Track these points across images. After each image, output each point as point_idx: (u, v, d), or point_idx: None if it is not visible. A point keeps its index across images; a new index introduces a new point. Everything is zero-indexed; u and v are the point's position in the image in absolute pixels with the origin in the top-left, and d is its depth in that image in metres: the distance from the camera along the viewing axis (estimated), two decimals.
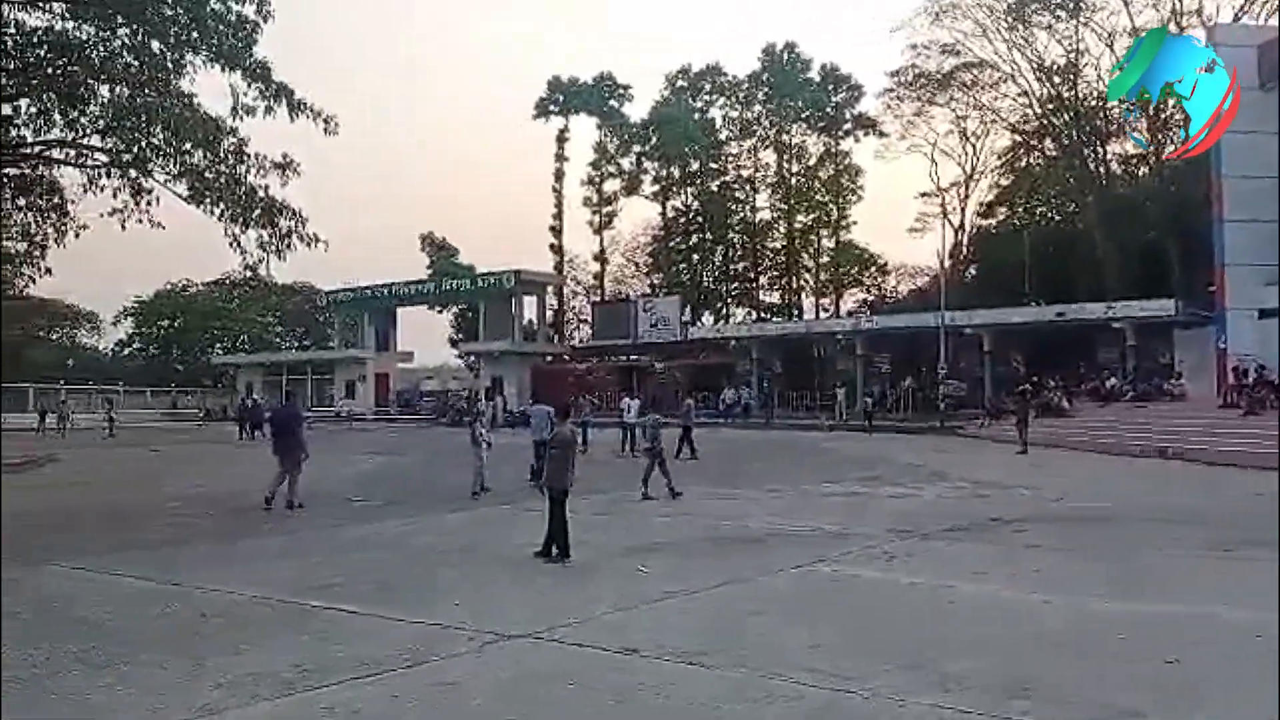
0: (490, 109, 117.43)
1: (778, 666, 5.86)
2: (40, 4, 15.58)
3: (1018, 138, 52.69)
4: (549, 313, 61.32)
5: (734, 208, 63.03)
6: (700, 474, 19.33)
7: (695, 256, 63.95)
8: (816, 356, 52.11)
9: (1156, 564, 9.51)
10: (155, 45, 15.95)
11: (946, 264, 48.57)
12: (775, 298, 63.44)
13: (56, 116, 15.92)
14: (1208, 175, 32.00)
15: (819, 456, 24.60)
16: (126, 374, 63.77)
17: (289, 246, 16.16)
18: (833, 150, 60.62)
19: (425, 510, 14.03)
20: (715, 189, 62.73)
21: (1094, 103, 48.03)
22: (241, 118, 16.24)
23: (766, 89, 60.97)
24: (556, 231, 63.45)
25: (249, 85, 16.25)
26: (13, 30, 15.48)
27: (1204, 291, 33.55)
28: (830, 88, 59.94)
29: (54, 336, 73.29)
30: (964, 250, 55.37)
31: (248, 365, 64.77)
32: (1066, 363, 38.73)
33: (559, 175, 63.35)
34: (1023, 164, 53.85)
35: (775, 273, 63.54)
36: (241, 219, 16.00)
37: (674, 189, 63.69)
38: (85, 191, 17.44)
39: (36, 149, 17.34)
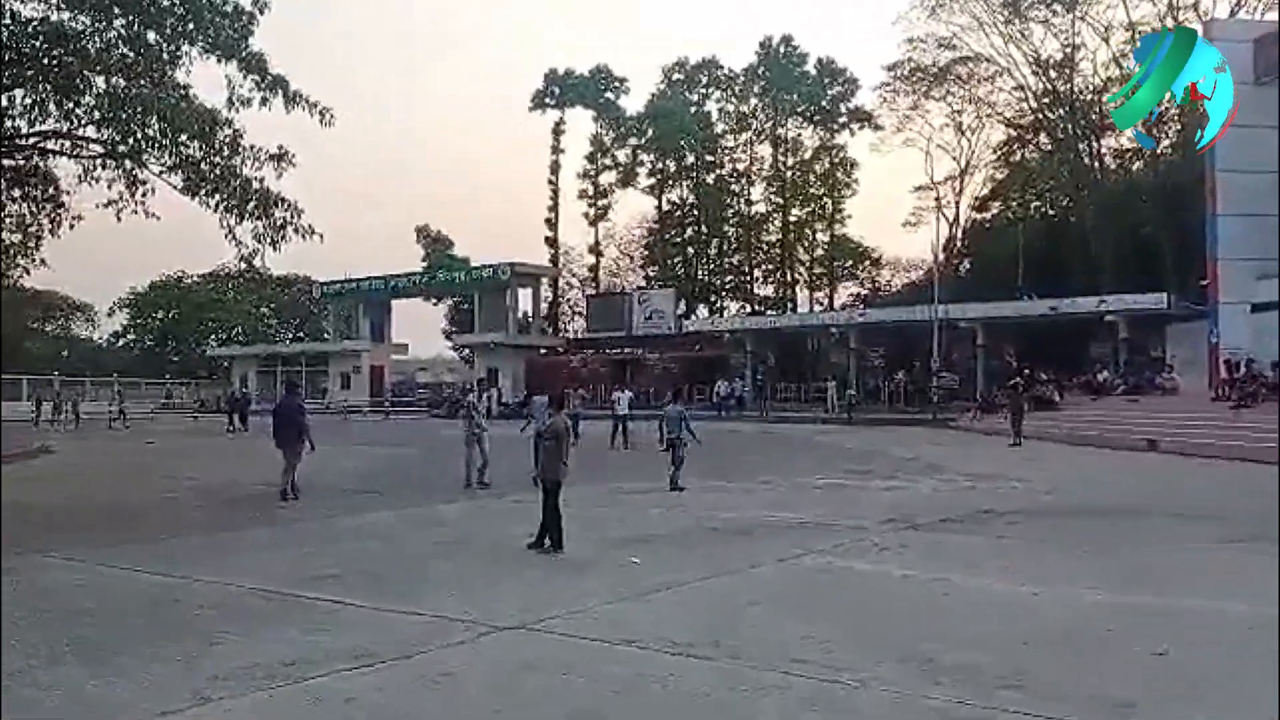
0: (487, 101, 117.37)
1: (771, 658, 5.90)
2: None
3: (1013, 131, 52.83)
4: (544, 305, 61.35)
5: (729, 201, 63.09)
6: (693, 466, 19.29)
7: (690, 249, 63.99)
8: (810, 350, 52.26)
9: (1148, 557, 9.56)
10: (151, 36, 15.89)
11: (940, 257, 48.62)
12: (770, 291, 63.58)
13: (51, 107, 15.84)
14: (1201, 169, 32.07)
15: (812, 449, 24.67)
16: (121, 365, 63.59)
17: (284, 238, 16.09)
18: (828, 144, 60.73)
19: (419, 501, 14.07)
20: (711, 182, 62.75)
21: (1089, 97, 48.14)
22: (237, 109, 16.20)
23: (763, 82, 61.01)
24: (552, 224, 63.50)
25: (245, 77, 16.21)
26: (8, 21, 15.41)
27: (1196, 286, 33.67)
28: (826, 81, 59.99)
29: (48, 328, 73.17)
30: (958, 244, 55.50)
31: (242, 357, 64.70)
32: (1059, 356, 38.86)
33: (555, 168, 63.37)
34: (1017, 158, 53.94)
35: (770, 266, 63.62)
36: (237, 210, 15.95)
37: (670, 182, 63.69)
38: (80, 182, 17.40)
39: (31, 140, 17.28)
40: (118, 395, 43.10)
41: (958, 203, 55.64)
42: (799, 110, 60.49)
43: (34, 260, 21.19)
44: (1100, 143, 49.59)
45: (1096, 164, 49.26)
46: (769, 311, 58.45)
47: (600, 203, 64.15)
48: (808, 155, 61.49)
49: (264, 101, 16.13)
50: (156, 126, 15.47)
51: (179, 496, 15.22)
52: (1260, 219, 29.51)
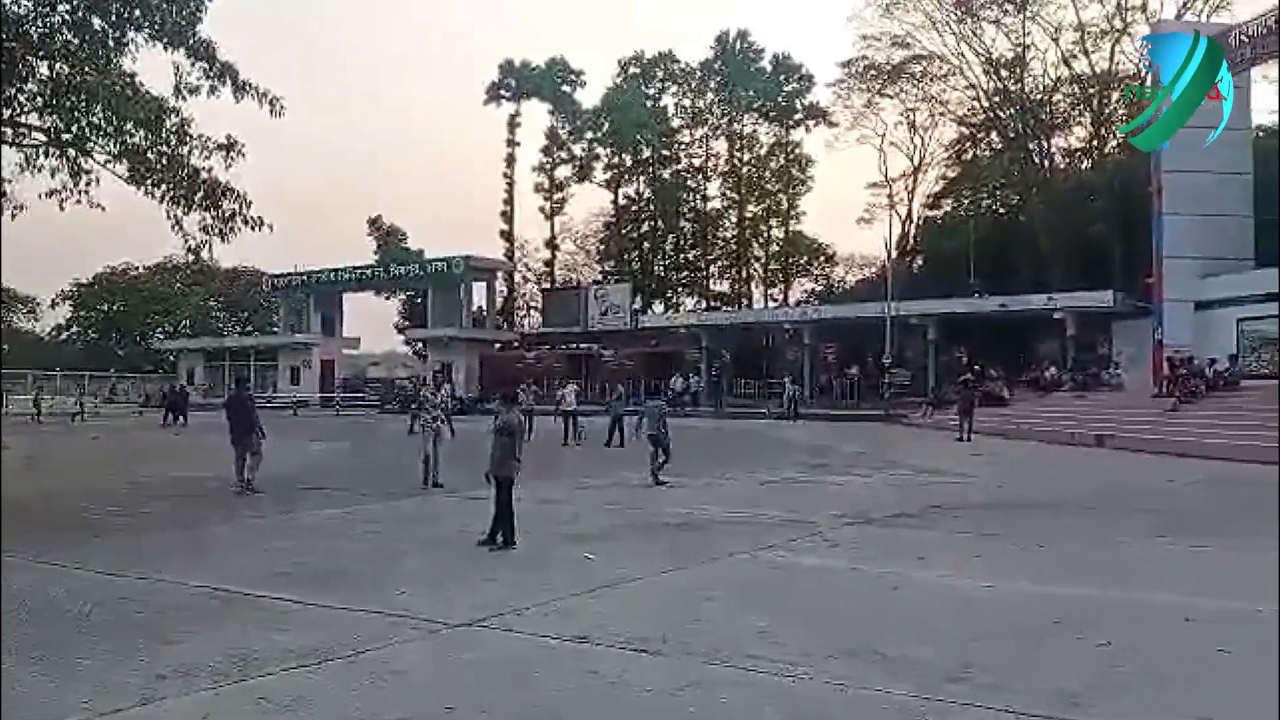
0: (441, 93, 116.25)
1: (725, 653, 5.92)
2: None
3: (964, 130, 53.46)
4: (499, 299, 60.99)
5: (685, 196, 63.17)
6: (640, 461, 19.42)
7: (646, 244, 63.99)
8: (765, 345, 52.58)
9: (1093, 550, 9.74)
10: (96, 22, 15.51)
11: (893, 254, 49.17)
12: (725, 287, 63.76)
13: None
14: (1148, 170, 32.71)
15: (766, 445, 24.81)
16: (65, 359, 62.16)
17: (233, 230, 15.79)
18: (783, 140, 61.06)
19: (370, 498, 13.91)
20: (667, 177, 62.79)
21: (1039, 96, 48.89)
22: (184, 97, 15.87)
23: (719, 78, 61.11)
24: (507, 217, 63.14)
25: (193, 64, 15.88)
26: None
27: (1142, 284, 34.34)
28: (781, 77, 60.27)
29: None
30: (911, 241, 56.08)
31: (189, 350, 63.56)
32: (1009, 353, 39.49)
33: (510, 161, 63.04)
34: (969, 156, 54.61)
35: (725, 262, 63.84)
36: (184, 201, 15.62)
37: (626, 176, 63.63)
38: (22, 171, 16.93)
39: None
40: (80, 390, 42.23)
41: (911, 200, 56.37)
42: (755, 106, 60.72)
43: None
44: (1050, 142, 50.40)
45: (1046, 163, 50.06)
46: (725, 307, 58.67)
47: (556, 196, 63.96)
48: (763, 151, 61.83)
49: (212, 90, 15.80)
50: (101, 114, 15.10)
51: (130, 493, 14.91)
52: (1204, 219, 30.19)
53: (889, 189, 54.37)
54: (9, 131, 16.60)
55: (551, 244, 64.53)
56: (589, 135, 63.27)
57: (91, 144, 15.75)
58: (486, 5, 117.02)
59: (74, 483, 16.35)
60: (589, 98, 63.10)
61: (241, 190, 15.71)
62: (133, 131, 15.47)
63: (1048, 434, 25.87)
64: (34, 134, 16.59)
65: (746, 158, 61.97)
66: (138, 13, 15.60)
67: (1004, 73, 49.01)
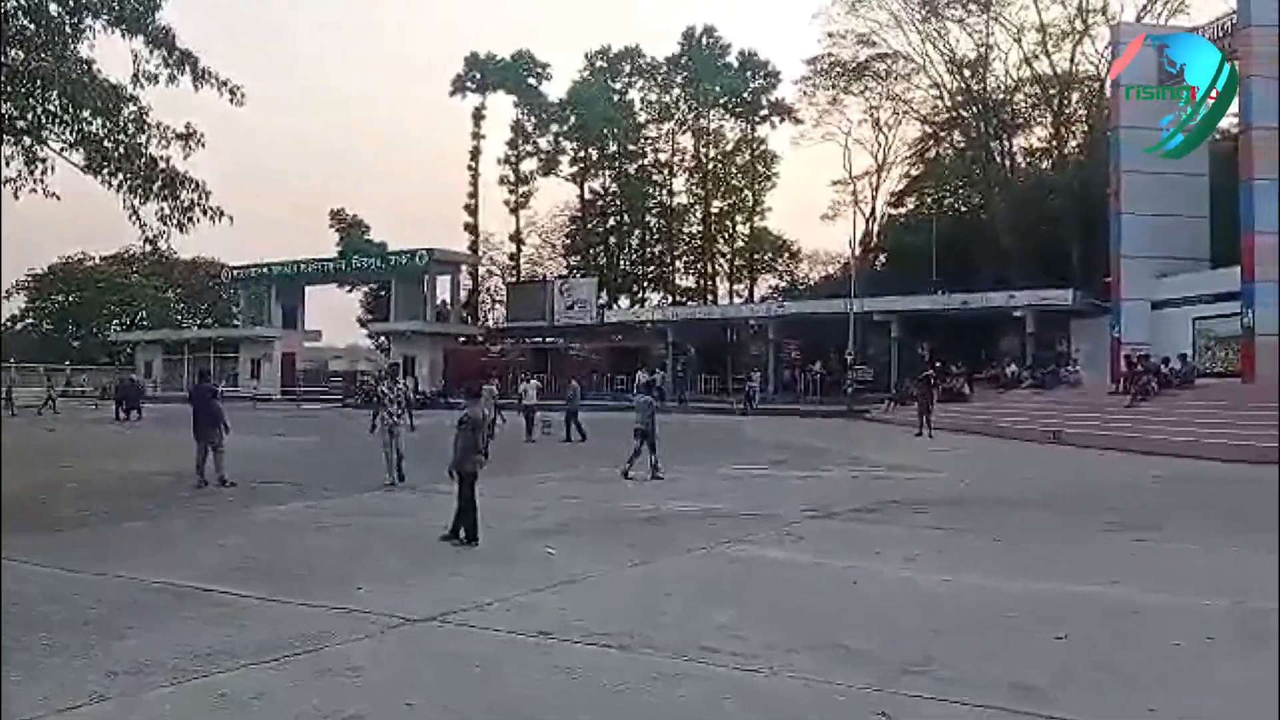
0: (406, 84, 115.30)
1: (687, 647, 5.92)
2: None
3: (928, 129, 53.98)
4: (463, 293, 60.69)
5: (651, 191, 63.19)
6: (611, 456, 19.42)
7: (612, 239, 63.97)
8: (730, 341, 52.80)
9: (1050, 545, 9.87)
10: (53, 8, 15.22)
11: (857, 251, 49.58)
12: (691, 282, 63.92)
13: None
14: (1106, 170, 33.20)
15: (730, 440, 24.91)
16: (19, 350, 60.93)
17: (191, 220, 15.55)
18: (749, 136, 61.25)
19: (331, 493, 13.78)
20: (633, 172, 62.77)
21: (1001, 96, 49.46)
22: (142, 85, 15.61)
23: (685, 73, 61.14)
24: (472, 210, 62.84)
25: (151, 52, 15.61)
26: None
27: (1100, 282, 34.88)
28: (748, 74, 60.42)
29: None
30: (874, 238, 56.53)
31: (147, 343, 62.61)
32: (970, 349, 39.97)
33: (475, 153, 62.73)
34: (932, 155, 55.14)
35: (691, 257, 63.98)
36: (141, 190, 15.37)
37: (592, 170, 63.55)
38: None
39: None
40: (48, 382, 41.58)
41: (874, 198, 56.82)
42: (721, 102, 60.84)
43: None
44: (1011, 142, 51.08)
45: (1007, 162, 50.69)
46: (690, 302, 58.80)
47: (521, 190, 63.73)
48: (729, 147, 62.02)
49: (171, 78, 15.54)
50: (57, 101, 14.81)
51: (87, 486, 14.65)
52: (1160, 219, 30.71)
53: (853, 186, 54.84)
54: None
55: (517, 238, 64.38)
56: (555, 129, 63.08)
57: (47, 132, 15.45)
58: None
59: (25, 476, 16.03)
60: (555, 91, 63.03)
61: (200, 180, 15.49)
62: (89, 119, 15.19)
63: (1007, 430, 26.20)
64: None
65: (712, 153, 62.12)
66: None
67: (967, 72, 49.55)
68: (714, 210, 62.03)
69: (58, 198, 16.58)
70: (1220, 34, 28.90)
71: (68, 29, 15.39)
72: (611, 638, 6.13)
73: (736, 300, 59.37)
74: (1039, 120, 50.57)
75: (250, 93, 16.07)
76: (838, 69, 52.81)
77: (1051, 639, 6.19)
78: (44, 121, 15.11)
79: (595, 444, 22.04)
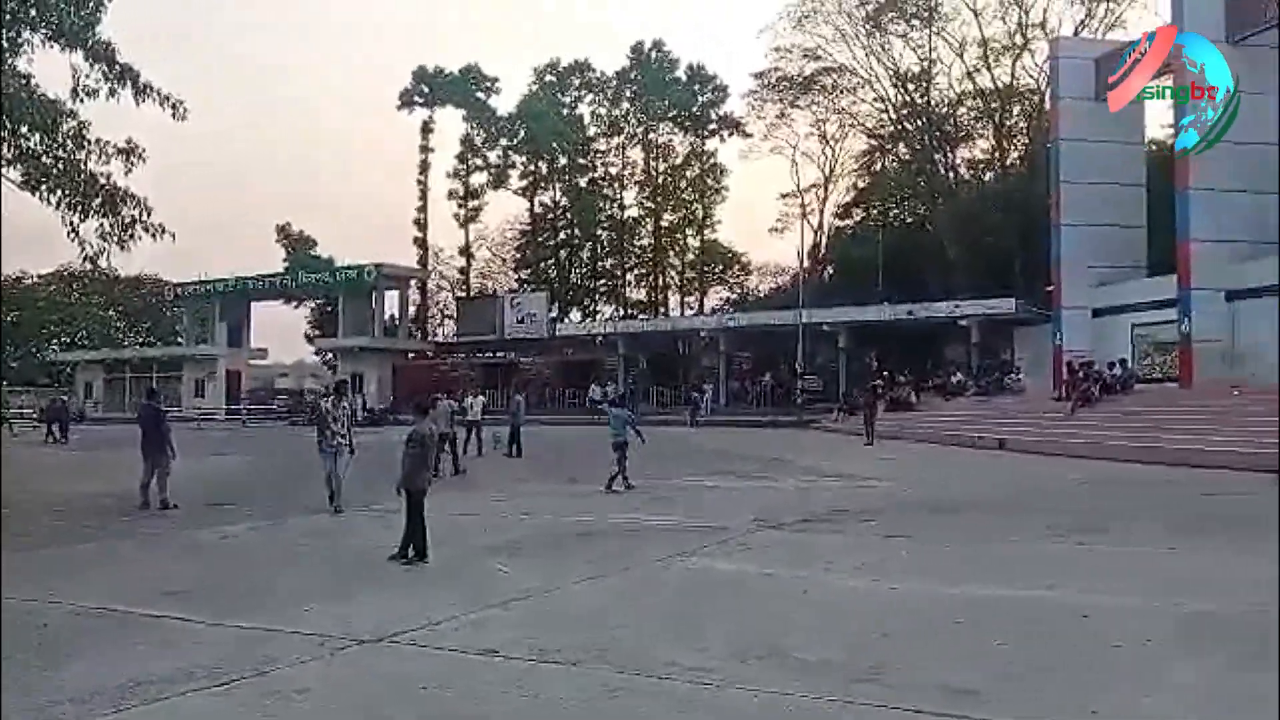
0: (353, 98, 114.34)
1: (639, 662, 5.92)
2: None
3: (873, 141, 54.73)
4: (412, 308, 60.23)
5: (602, 204, 63.31)
6: (563, 470, 19.45)
7: (563, 252, 63.98)
8: (682, 353, 53.00)
9: (994, 550, 10.02)
10: None
11: (806, 263, 50.10)
12: (642, 295, 64.09)
13: None
14: (1047, 180, 33.92)
15: (682, 451, 24.93)
16: None
17: (132, 237, 15.27)
18: (699, 150, 61.66)
19: (278, 513, 13.55)
20: (583, 185, 62.88)
21: (944, 110, 50.35)
22: (82, 100, 15.33)
23: (634, 87, 61.48)
24: (421, 225, 62.51)
25: (92, 66, 15.34)
26: None
27: (1042, 291, 35.58)
28: (696, 88, 60.88)
29: None
30: (823, 250, 57.14)
31: (88, 362, 61.21)
32: (917, 358, 40.55)
33: (424, 167, 62.45)
34: (878, 167, 55.94)
35: (642, 270, 64.17)
36: (80, 207, 15.07)
37: (542, 184, 63.55)
38: None
39: None
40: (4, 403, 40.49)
41: (822, 210, 57.48)
42: (670, 116, 61.21)
43: None
44: (955, 154, 52.00)
45: (951, 174, 51.57)
46: (641, 315, 58.95)
47: (471, 204, 63.55)
48: (679, 161, 62.37)
49: (112, 93, 15.28)
50: None
51: (26, 508, 14.27)
52: (1099, 228, 31.43)
53: (801, 199, 55.45)
54: None
55: (466, 251, 64.16)
56: (504, 142, 63.02)
57: None
58: (398, 11, 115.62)
59: None
60: (504, 105, 63.01)
61: (142, 196, 15.23)
62: (27, 135, 14.89)
63: (953, 437, 26.58)
64: None
65: (662, 167, 62.48)
66: (34, 12, 15.04)
67: (911, 86, 50.39)
68: (664, 223, 62.36)
69: None
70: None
71: (4, 43, 15.07)
72: (563, 654, 6.11)
73: (688, 312, 59.66)
74: (981, 133, 51.58)
75: (193, 106, 15.88)
76: (785, 83, 53.43)
77: (995, 644, 6.28)
78: None
79: (546, 459, 22.03)
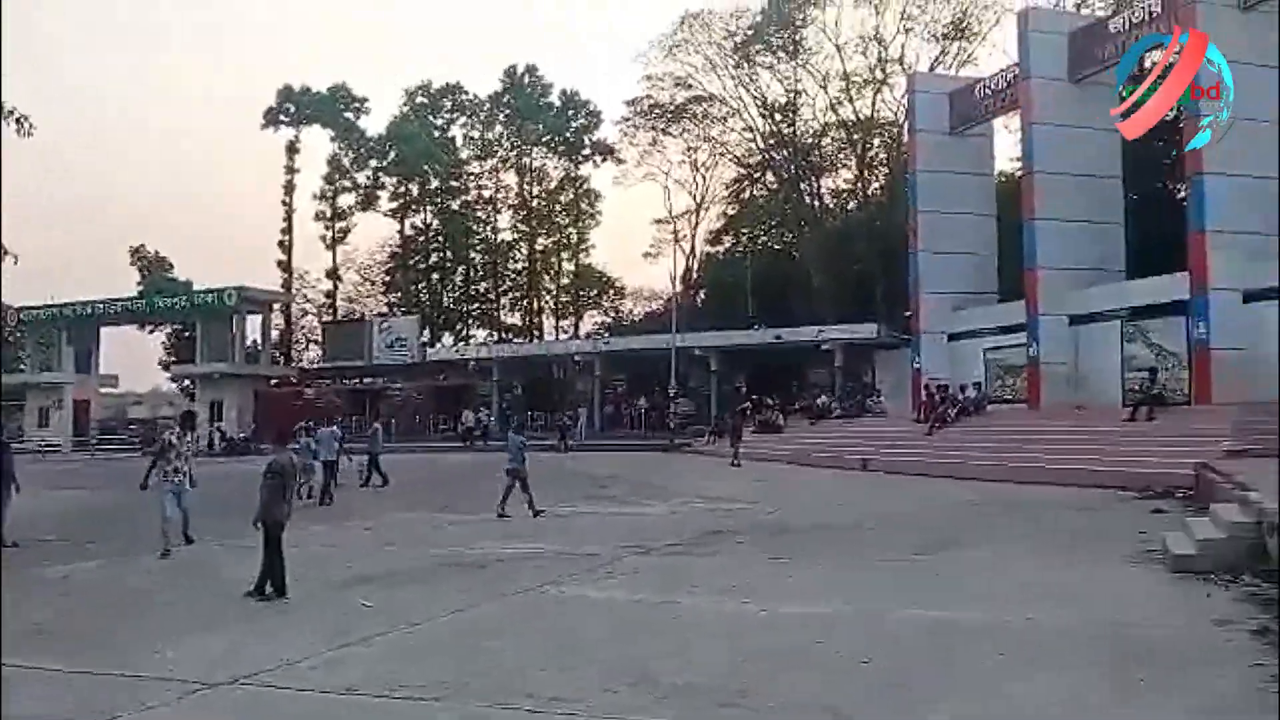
0: (214, 115, 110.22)
1: (507, 694, 5.85)
2: None
3: (743, 170, 55.97)
4: (275, 332, 58.27)
5: (475, 227, 62.84)
6: (434, 498, 19.08)
7: (435, 276, 63.14)
8: (557, 377, 52.87)
9: (857, 569, 10.28)
10: None
11: (678, 288, 50.77)
12: (516, 319, 63.73)
13: None
14: (906, 210, 35.31)
15: (554, 476, 24.77)
16: None
17: None
18: (572, 175, 61.94)
19: (127, 550, 12.79)
20: (456, 208, 62.32)
21: (809, 140, 51.95)
22: None
23: (507, 111, 61.43)
24: (285, 247, 60.64)
25: None
26: None
27: (902, 316, 36.94)
28: (570, 113, 61.23)
29: None
30: (695, 275, 58.04)
31: None
32: (784, 382, 41.54)
33: (289, 188, 60.74)
34: (747, 195, 57.21)
35: (516, 294, 63.83)
36: None
37: (413, 206, 62.65)
38: None
39: None
40: None
41: (694, 235, 58.32)
42: (544, 140, 61.33)
43: None
44: (820, 183, 53.58)
45: (816, 203, 53.15)
46: (516, 339, 58.58)
47: (339, 225, 62.15)
48: (553, 185, 62.47)
49: None
50: None
51: None
52: (954, 256, 32.88)
53: (673, 225, 56.20)
54: None
55: (334, 274, 62.53)
56: (374, 164, 61.95)
57: None
58: (263, 28, 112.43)
59: None
60: (374, 126, 61.94)
61: None
62: None
63: (819, 459, 27.23)
64: None
65: (536, 191, 62.47)
66: None
67: (778, 116, 51.81)
68: (539, 247, 62.31)
69: None
70: (1004, 84, 31.37)
71: None
72: (428, 689, 5.99)
73: (562, 336, 59.62)
74: (844, 163, 53.36)
75: (40, 121, 15.04)
76: (657, 111, 54.24)
77: (859, 662, 6.45)
78: None
79: (416, 487, 21.55)
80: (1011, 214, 31.01)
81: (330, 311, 62.13)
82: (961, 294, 32.97)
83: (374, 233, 64.38)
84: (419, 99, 62.08)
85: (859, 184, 52.62)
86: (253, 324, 54.80)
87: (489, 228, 63.17)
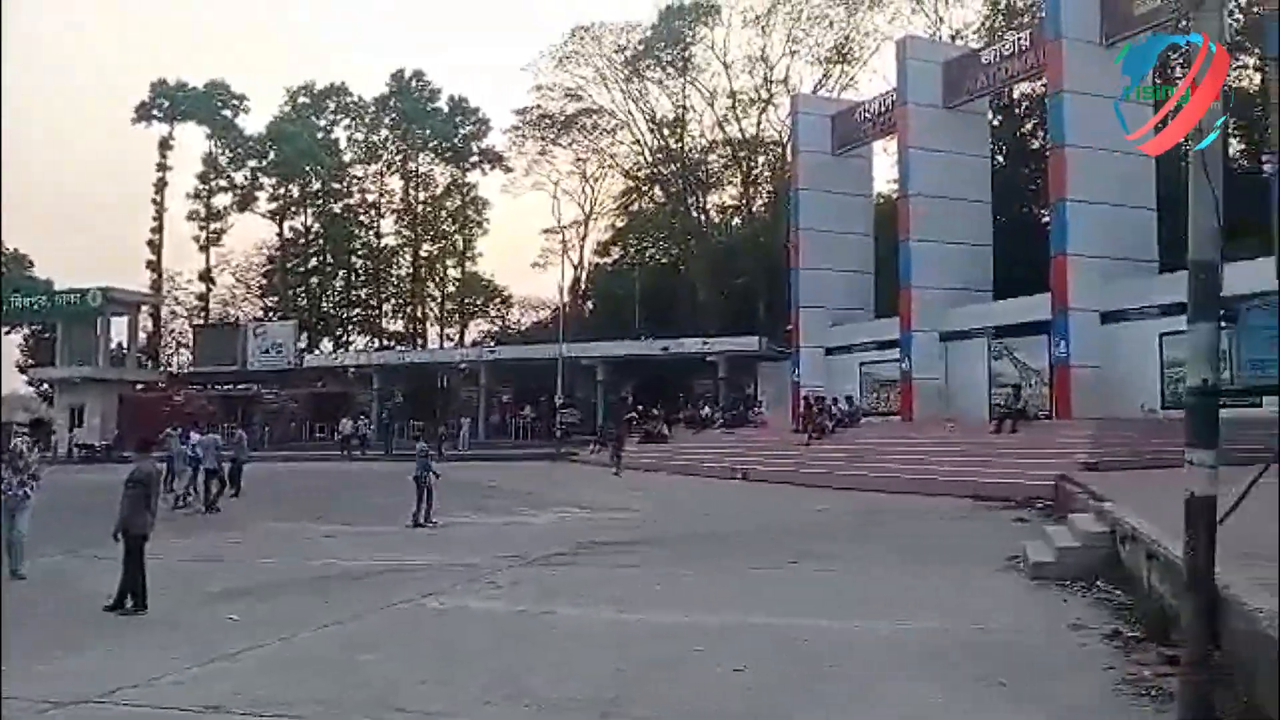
0: (79, 108, 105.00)
1: (379, 709, 5.75)
2: None
3: (631, 183, 56.40)
4: (142, 336, 55.75)
5: (358, 232, 61.63)
6: (308, 510, 18.58)
7: (314, 280, 61.55)
8: (440, 386, 52.14)
9: (739, 578, 10.45)
10: None
11: (566, 298, 50.77)
12: (399, 326, 62.64)
13: None
14: (788, 228, 36.16)
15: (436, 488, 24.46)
16: None
17: None
18: (460, 181, 61.28)
19: None
20: (338, 211, 61.03)
21: (697, 156, 52.71)
22: None
23: (394, 115, 60.45)
24: (155, 247, 58.10)
25: None
26: None
27: (784, 330, 37.78)
28: (457, 119, 60.62)
29: None
30: (583, 286, 58.12)
31: None
32: (670, 392, 41.97)
33: (160, 186, 58.17)
34: (635, 208, 57.66)
35: (400, 300, 62.75)
36: None
37: (293, 208, 60.97)
38: None
39: None
40: None
41: (582, 246, 58.48)
42: (431, 146, 60.57)
43: None
44: (706, 199, 54.42)
45: (703, 217, 53.94)
46: (398, 347, 57.53)
47: (214, 226, 59.97)
48: (439, 191, 61.72)
49: None
50: None
51: None
52: (832, 273, 33.80)
53: (562, 235, 56.20)
54: None
55: (207, 277, 60.29)
56: (252, 163, 60.04)
57: None
58: (137, 20, 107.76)
59: None
60: (253, 125, 60.04)
61: None
62: None
63: (701, 469, 27.59)
64: None
65: (422, 196, 61.62)
66: None
67: (666, 131, 52.43)
68: (424, 254, 61.43)
69: None
70: (883, 109, 32.47)
71: None
72: (299, 706, 5.83)
73: (447, 345, 58.81)
74: (730, 180, 54.32)
75: None
76: (546, 121, 54.22)
77: (733, 670, 6.54)
78: None
79: (291, 497, 20.96)
80: (889, 234, 32.04)
81: (203, 315, 59.90)
82: (840, 310, 33.92)
83: (251, 235, 62.42)
84: (301, 99, 60.59)
85: (744, 201, 53.62)
86: (118, 326, 52.26)
87: (372, 232, 62.03)
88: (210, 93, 59.22)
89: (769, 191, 51.36)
